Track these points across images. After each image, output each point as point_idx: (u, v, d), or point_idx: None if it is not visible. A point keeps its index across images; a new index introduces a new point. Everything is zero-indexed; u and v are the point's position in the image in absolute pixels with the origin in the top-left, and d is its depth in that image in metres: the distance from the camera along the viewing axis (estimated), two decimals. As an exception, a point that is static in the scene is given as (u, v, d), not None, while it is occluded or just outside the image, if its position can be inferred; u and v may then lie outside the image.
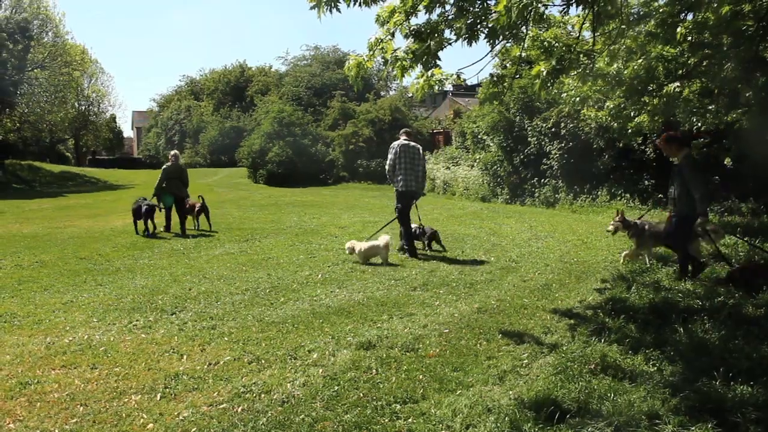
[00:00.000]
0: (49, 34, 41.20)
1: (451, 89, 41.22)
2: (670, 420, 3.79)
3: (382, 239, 9.45)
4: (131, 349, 5.46)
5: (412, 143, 10.28)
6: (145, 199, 13.13)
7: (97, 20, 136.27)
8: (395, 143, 10.26)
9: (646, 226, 8.59)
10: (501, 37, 5.11)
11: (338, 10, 4.97)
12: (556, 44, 6.07)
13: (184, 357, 5.26)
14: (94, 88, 59.69)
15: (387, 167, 10.31)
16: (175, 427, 3.94)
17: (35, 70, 40.07)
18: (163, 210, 13.36)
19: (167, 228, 13.54)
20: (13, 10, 38.09)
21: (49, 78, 41.20)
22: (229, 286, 7.95)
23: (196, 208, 13.85)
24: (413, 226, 10.42)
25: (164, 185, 13.25)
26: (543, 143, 19.07)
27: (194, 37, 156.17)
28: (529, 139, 19.70)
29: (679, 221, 7.61)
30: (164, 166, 13.56)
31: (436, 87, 5.15)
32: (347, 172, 32.69)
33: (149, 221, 12.86)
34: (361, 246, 9.58)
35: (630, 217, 9.19)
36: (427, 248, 10.61)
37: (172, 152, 14.40)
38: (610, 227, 8.95)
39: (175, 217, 13.48)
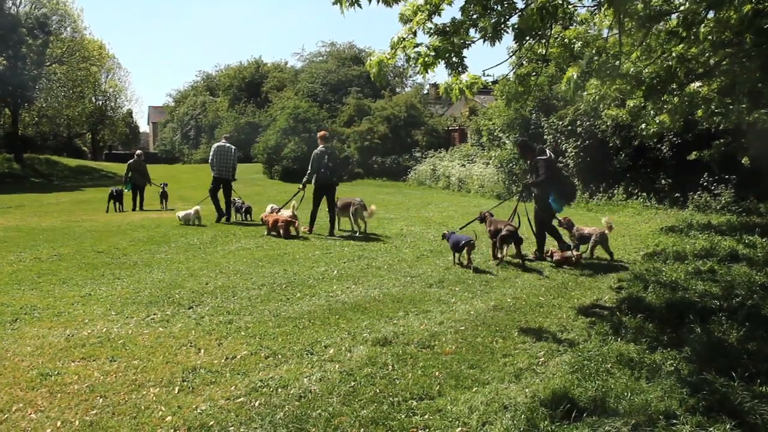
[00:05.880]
0: (67, 29, 41.77)
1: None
2: (687, 420, 3.77)
3: (194, 208, 13.78)
4: (149, 343, 5.51)
5: (227, 144, 14.68)
6: (116, 187, 18.40)
7: (115, 15, 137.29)
8: (215, 144, 14.91)
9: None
10: (528, 36, 5.09)
11: (359, 5, 4.99)
12: (581, 46, 6.01)
13: (202, 351, 5.30)
14: (111, 83, 60.32)
15: (209, 161, 14.69)
16: (193, 420, 3.98)
17: (54, 65, 40.56)
18: (128, 192, 18.24)
19: (135, 208, 18.14)
20: (33, 6, 38.54)
21: (67, 73, 41.72)
22: (246, 281, 8.00)
23: (160, 193, 18.76)
24: (238, 201, 15.01)
25: (129, 176, 18.26)
26: (559, 141, 18.97)
27: (210, 33, 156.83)
28: (545, 136, 19.62)
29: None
30: (129, 162, 18.58)
31: (467, 90, 5.10)
32: (362, 168, 32.66)
33: (118, 203, 17.66)
34: (179, 213, 13.83)
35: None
36: (244, 219, 14.86)
37: (137, 151, 20.01)
38: None
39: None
